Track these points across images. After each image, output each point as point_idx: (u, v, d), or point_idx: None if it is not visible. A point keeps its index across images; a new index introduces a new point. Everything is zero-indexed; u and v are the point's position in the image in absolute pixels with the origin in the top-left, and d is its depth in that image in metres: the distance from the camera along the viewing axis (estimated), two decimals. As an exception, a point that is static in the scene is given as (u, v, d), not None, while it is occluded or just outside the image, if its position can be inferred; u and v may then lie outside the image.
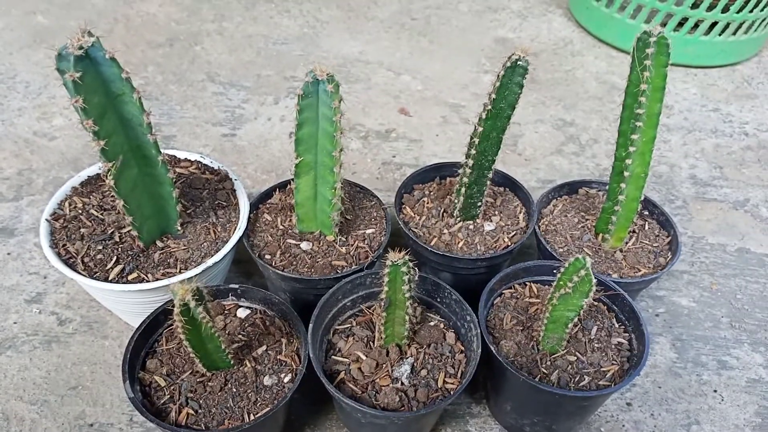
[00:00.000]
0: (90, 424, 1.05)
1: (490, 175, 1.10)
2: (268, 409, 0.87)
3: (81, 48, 0.83)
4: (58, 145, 1.55)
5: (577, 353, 0.99)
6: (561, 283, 0.91)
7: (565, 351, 0.99)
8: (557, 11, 2.23)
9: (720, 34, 1.90)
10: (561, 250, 1.15)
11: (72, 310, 1.21)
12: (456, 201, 1.14)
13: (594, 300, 1.05)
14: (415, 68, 1.91)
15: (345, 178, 1.17)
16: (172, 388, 0.91)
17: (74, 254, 1.03)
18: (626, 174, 1.04)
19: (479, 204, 1.14)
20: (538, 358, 0.98)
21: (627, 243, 1.17)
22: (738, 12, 1.83)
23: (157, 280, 1.01)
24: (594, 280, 0.88)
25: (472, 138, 1.05)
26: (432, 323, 1.04)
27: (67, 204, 1.11)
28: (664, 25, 1.88)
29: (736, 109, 1.84)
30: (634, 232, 1.19)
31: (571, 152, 1.65)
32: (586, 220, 1.20)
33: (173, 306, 0.78)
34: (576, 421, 1.03)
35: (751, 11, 1.83)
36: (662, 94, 0.97)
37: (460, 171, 1.10)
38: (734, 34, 1.89)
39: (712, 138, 1.74)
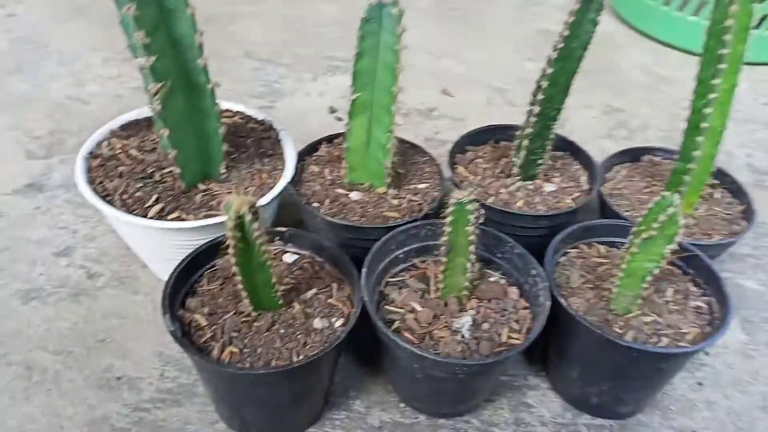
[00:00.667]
0: (118, 377, 0.97)
1: (555, 128, 1.03)
2: (320, 349, 0.79)
3: (138, -49, 0.77)
4: (92, 109, 1.51)
5: (653, 314, 0.91)
6: (643, 226, 0.83)
7: (639, 312, 0.91)
8: (599, 8, 2.18)
9: (771, 29, 1.84)
10: (627, 213, 1.07)
11: (102, 264, 1.14)
12: (516, 157, 1.07)
13: (668, 264, 0.97)
14: (457, 53, 1.86)
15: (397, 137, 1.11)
16: (213, 327, 0.83)
17: (111, 191, 0.96)
18: (704, 125, 0.97)
19: (540, 162, 1.07)
20: (610, 318, 0.90)
21: (697, 210, 1.09)
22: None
23: (198, 219, 0.94)
24: (681, 222, 0.80)
25: (539, 82, 0.98)
26: (492, 279, 0.96)
27: (105, 144, 1.05)
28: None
29: (789, 103, 1.77)
30: (704, 198, 1.11)
31: (621, 137, 1.58)
32: (653, 185, 1.13)
33: (222, 236, 0.71)
34: (648, 392, 0.93)
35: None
36: (747, 35, 0.90)
37: (522, 122, 1.03)
38: (786, 28, 1.83)
39: (766, 130, 1.66)
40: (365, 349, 0.97)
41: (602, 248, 1.01)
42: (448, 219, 0.84)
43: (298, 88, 1.65)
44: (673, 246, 0.82)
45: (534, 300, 0.91)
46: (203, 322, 0.84)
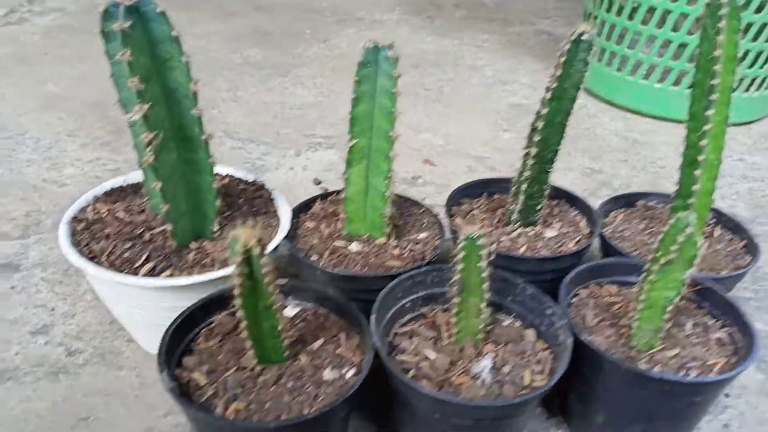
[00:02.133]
0: (101, 460, 0.88)
1: (551, 171, 1.02)
2: (334, 399, 0.73)
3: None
4: (69, 190, 1.46)
5: (676, 348, 0.87)
6: (660, 251, 0.81)
7: (661, 347, 0.87)
8: (566, 84, 2.27)
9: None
10: (633, 254, 1.05)
11: (83, 341, 1.06)
12: (514, 203, 1.05)
13: (681, 299, 0.94)
14: (435, 128, 1.89)
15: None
16: (215, 385, 0.76)
17: (98, 253, 0.91)
18: (700, 158, 0.97)
19: (539, 207, 1.06)
20: (633, 354, 0.86)
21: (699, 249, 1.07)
22: (749, 68, 1.86)
23: (194, 275, 0.89)
24: (699, 242, 0.78)
25: (534, 124, 0.99)
26: (505, 323, 0.91)
27: (89, 209, 1.00)
28: (677, 83, 1.90)
29: (761, 159, 1.83)
30: (704, 237, 1.10)
31: (606, 195, 1.59)
32: (653, 227, 1.12)
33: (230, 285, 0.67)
34: (681, 430, 0.88)
35: (761, 67, 1.86)
36: (734, 66, 0.92)
37: (520, 166, 1.03)
38: (747, 90, 1.91)
39: (744, 183, 1.70)
40: (375, 406, 0.90)
41: (613, 288, 0.98)
42: (459, 255, 0.81)
43: (282, 164, 1.64)
44: (692, 270, 0.80)
45: (553, 340, 0.86)
46: (202, 380, 0.77)
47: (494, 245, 1.04)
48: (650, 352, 0.85)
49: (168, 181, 0.89)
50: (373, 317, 0.83)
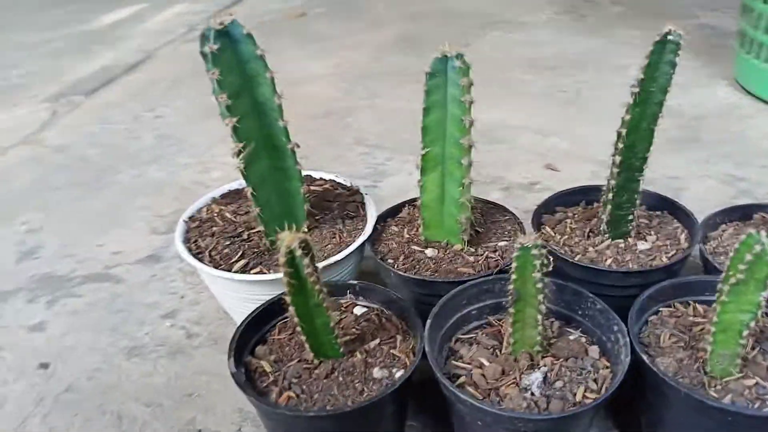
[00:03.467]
0: (198, 430, 1.00)
1: (642, 179, 0.98)
2: (372, 396, 0.77)
3: (221, 24, 0.87)
4: (211, 191, 1.65)
5: (756, 377, 0.79)
6: (731, 271, 0.75)
7: (740, 374, 0.80)
8: (722, 82, 2.08)
9: None
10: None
11: (201, 326, 1.21)
12: (602, 213, 1.02)
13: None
14: (563, 131, 1.84)
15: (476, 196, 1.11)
16: (277, 373, 0.84)
17: (203, 249, 1.04)
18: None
19: (630, 217, 1.01)
20: (706, 380, 0.80)
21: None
22: None
23: (274, 273, 0.98)
24: (775, 262, 0.71)
25: (618, 131, 0.95)
26: (572, 337, 0.89)
27: (204, 209, 1.14)
28: None
29: None
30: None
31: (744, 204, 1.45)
32: None
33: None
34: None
35: None
36: None
37: (607, 175, 0.99)
38: None
39: None
40: (434, 409, 0.93)
41: (700, 307, 0.91)
42: (513, 265, 0.81)
43: (402, 169, 1.71)
44: (767, 292, 0.73)
45: (615, 358, 0.83)
46: (268, 368, 0.85)
47: (579, 256, 1.02)
48: (726, 379, 0.79)
49: (259, 187, 0.99)
50: (428, 322, 0.86)
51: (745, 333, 0.76)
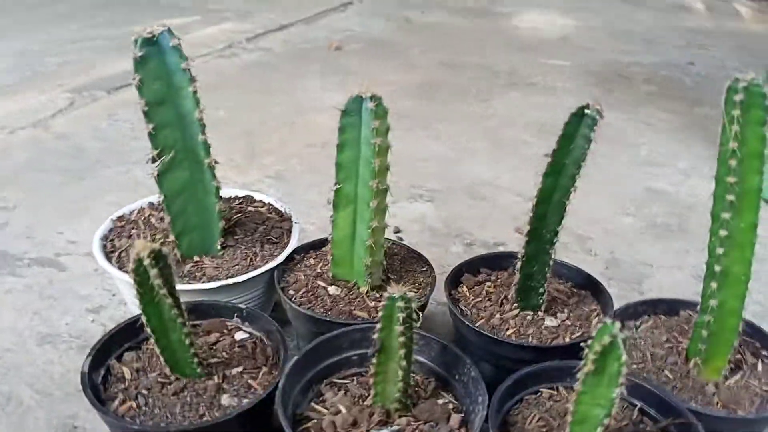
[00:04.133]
0: (74, 426, 1.00)
1: (553, 252, 0.94)
2: (204, 421, 0.76)
3: (151, 33, 0.89)
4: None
5: (613, 479, 0.74)
6: (586, 359, 0.71)
7: (597, 472, 0.75)
8: (731, 176, 2.00)
9: None
10: (634, 366, 0.92)
11: (118, 325, 1.22)
12: (514, 281, 0.98)
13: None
14: (549, 198, 1.80)
15: (401, 243, 1.09)
16: (133, 381, 0.84)
17: (116, 248, 1.05)
18: (717, 268, 0.83)
19: (540, 290, 0.97)
20: (559, 472, 0.75)
21: (728, 379, 0.89)
22: None
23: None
24: (624, 357, 0.67)
25: (533, 200, 0.92)
26: (440, 401, 0.86)
27: (136, 212, 1.16)
28: None
29: None
30: (740, 368, 0.91)
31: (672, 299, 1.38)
32: (679, 342, 0.96)
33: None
34: None
35: None
36: (761, 164, 0.77)
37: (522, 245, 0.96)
38: None
39: None
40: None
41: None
42: (379, 314, 0.79)
43: (374, 208, 1.70)
44: (621, 389, 0.68)
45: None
46: (128, 375, 0.85)
47: (481, 321, 0.98)
48: (579, 474, 0.74)
49: (176, 198, 1.00)
50: (297, 358, 0.84)
51: (599, 430, 0.72)
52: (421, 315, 0.78)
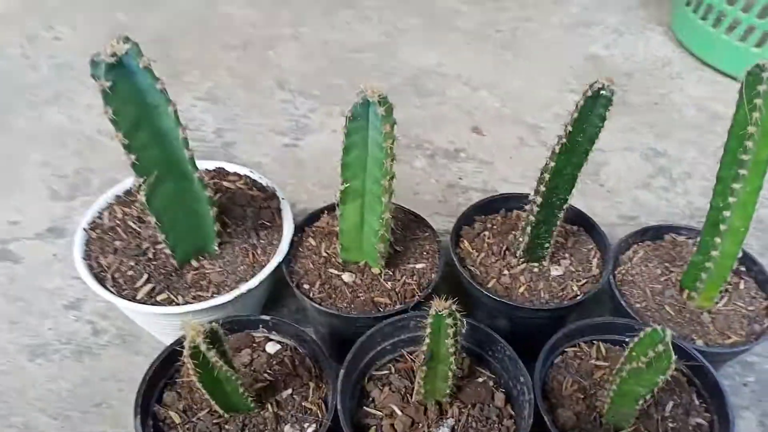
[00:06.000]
0: (109, 447, 1.00)
1: (562, 215, 0.97)
2: (284, 462, 0.78)
3: (114, 55, 0.76)
4: (119, 145, 1.53)
5: (647, 431, 0.85)
6: (633, 355, 0.77)
7: (632, 428, 0.85)
8: (657, 29, 2.04)
9: None
10: (638, 305, 1.00)
11: (108, 320, 1.17)
12: (521, 240, 1.01)
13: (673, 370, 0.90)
14: (495, 83, 1.78)
15: (399, 203, 1.07)
16: (186, 426, 0.84)
17: (105, 268, 0.98)
18: (723, 228, 0.89)
19: (546, 245, 1.01)
20: (600, 433, 0.85)
21: (717, 303, 1.01)
22: None
23: (187, 303, 0.94)
24: (674, 357, 0.73)
25: (542, 173, 0.92)
26: (480, 380, 0.92)
27: (107, 213, 1.06)
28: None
29: None
30: (726, 291, 1.02)
31: (660, 186, 1.48)
32: (671, 272, 1.05)
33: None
34: None
35: None
36: (774, 141, 0.81)
37: (527, 207, 0.98)
38: None
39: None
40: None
41: (604, 348, 0.95)
42: (427, 331, 0.80)
43: (326, 124, 1.63)
44: (666, 377, 0.76)
45: (520, 410, 0.87)
46: (177, 419, 0.84)
47: (493, 281, 1.02)
48: (619, 433, 0.84)
49: (165, 212, 0.92)
50: (342, 372, 0.86)
51: (641, 401, 0.81)
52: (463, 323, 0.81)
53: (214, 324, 0.71)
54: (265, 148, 1.55)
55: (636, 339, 0.77)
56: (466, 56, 1.90)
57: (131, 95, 0.80)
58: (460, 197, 1.44)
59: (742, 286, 1.04)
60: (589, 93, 0.83)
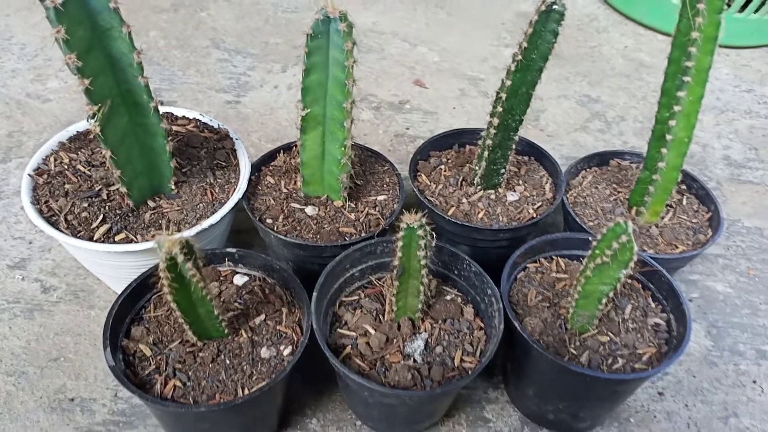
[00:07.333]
0: (71, 399, 0.96)
1: (516, 138, 1.00)
2: (264, 383, 0.78)
3: (64, -29, 0.73)
4: (52, 107, 1.46)
5: (609, 333, 0.89)
6: (597, 251, 0.81)
7: (596, 331, 0.89)
8: (581, -13, 2.12)
9: (756, 12, 1.79)
10: (591, 223, 1.05)
11: (57, 277, 1.12)
12: (477, 167, 1.04)
13: (628, 278, 0.95)
14: (432, 40, 1.81)
15: (355, 142, 1.08)
16: (158, 357, 0.81)
17: (57, 212, 0.94)
18: (668, 137, 0.94)
19: (502, 171, 1.04)
20: (566, 337, 0.88)
21: (663, 218, 1.06)
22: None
23: (147, 241, 0.92)
24: (636, 248, 0.77)
25: (498, 93, 0.95)
26: (448, 297, 0.94)
27: (52, 159, 1.02)
28: None
29: (772, 91, 1.74)
30: (671, 206, 1.08)
31: (596, 129, 1.55)
32: (619, 192, 1.10)
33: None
34: (605, 408, 0.92)
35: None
36: (714, 46, 0.86)
37: (483, 132, 1.00)
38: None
39: (746, 119, 1.63)
40: (322, 367, 0.96)
41: (562, 262, 0.99)
42: (399, 244, 0.82)
43: (267, 81, 1.61)
44: (628, 271, 0.80)
45: (489, 321, 0.89)
46: (148, 352, 0.82)
47: (453, 209, 1.05)
48: (583, 336, 0.88)
49: (119, 147, 0.89)
50: (314, 294, 0.86)
51: (604, 300, 0.85)
52: (433, 235, 0.82)
53: (188, 237, 0.69)
54: (207, 106, 1.52)
55: (599, 236, 0.81)
56: (401, 15, 1.92)
57: (83, 16, 0.77)
58: (409, 146, 1.46)
59: (684, 201, 1.10)
60: (543, 8, 0.86)
